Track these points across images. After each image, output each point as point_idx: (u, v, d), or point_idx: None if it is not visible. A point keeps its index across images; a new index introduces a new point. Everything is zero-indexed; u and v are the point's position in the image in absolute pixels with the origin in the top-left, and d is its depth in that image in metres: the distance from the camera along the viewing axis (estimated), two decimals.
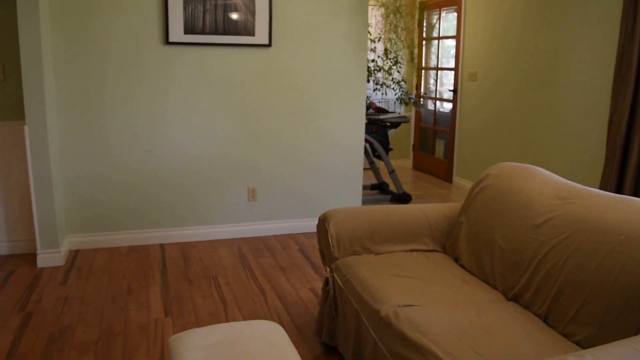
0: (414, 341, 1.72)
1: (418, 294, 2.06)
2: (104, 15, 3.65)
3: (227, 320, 2.86)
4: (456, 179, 6.09)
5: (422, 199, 5.49)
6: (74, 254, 3.80)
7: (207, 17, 3.79)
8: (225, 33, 3.85)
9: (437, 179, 6.44)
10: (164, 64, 3.81)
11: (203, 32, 3.81)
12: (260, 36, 3.93)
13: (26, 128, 3.37)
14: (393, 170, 5.25)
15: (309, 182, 4.30)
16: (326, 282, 2.51)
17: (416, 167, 7.01)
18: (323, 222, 2.59)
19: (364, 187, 5.78)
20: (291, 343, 1.91)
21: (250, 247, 4.00)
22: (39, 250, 3.56)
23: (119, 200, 3.92)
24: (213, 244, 4.07)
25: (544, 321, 1.92)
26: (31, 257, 3.70)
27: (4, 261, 3.66)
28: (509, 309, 1.99)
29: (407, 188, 5.89)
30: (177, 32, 3.76)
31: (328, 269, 2.51)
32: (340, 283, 2.35)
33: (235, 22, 3.85)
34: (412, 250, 2.55)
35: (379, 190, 5.72)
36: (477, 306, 1.97)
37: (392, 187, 5.82)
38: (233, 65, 3.95)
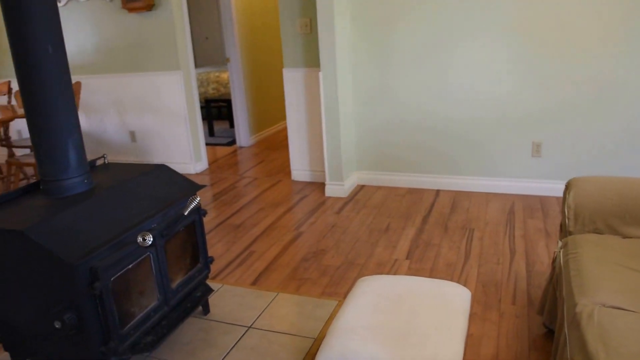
0: (589, 352, 1.39)
1: None
2: None
3: (459, 275, 2.78)
4: None
5: None
6: (359, 189, 4.21)
7: None
8: None
9: None
10: (452, 10, 3.71)
11: None
12: None
13: (320, 74, 3.82)
14: None
15: (606, 140, 3.64)
16: (555, 258, 2.19)
17: None
18: (565, 189, 2.22)
19: None
20: (467, 313, 1.78)
21: (524, 205, 3.69)
22: (327, 181, 4.07)
23: (404, 143, 4.11)
24: (487, 197, 3.91)
25: None
26: (323, 186, 4.27)
27: (304, 187, 4.33)
28: None
29: None
30: None
31: (559, 244, 2.17)
32: (561, 262, 2.02)
33: None
34: None
35: None
36: None
37: None
38: (524, 6, 3.55)
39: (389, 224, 3.52)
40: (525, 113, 3.75)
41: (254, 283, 2.85)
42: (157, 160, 4.96)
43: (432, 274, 2.83)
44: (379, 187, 4.22)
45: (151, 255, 2.09)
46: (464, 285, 2.68)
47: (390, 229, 3.44)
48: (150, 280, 2.11)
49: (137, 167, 2.40)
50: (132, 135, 4.97)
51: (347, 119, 4.07)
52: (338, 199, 4.02)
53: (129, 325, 1.98)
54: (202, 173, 4.88)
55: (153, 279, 2.12)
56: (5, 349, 2.08)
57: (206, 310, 2.56)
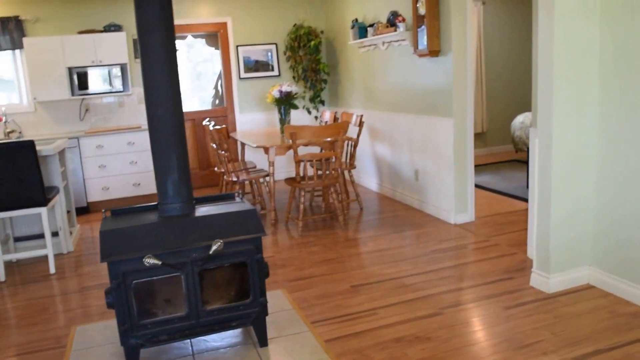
0: None
1: None
2: None
3: None
4: None
5: None
6: (583, 288, 3.34)
7: None
8: None
9: None
10: None
11: None
12: None
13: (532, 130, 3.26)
14: None
15: None
16: None
17: None
18: None
19: None
20: None
21: None
22: (533, 268, 3.43)
23: None
24: None
25: None
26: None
27: (527, 268, 3.71)
28: None
29: None
30: None
31: None
32: None
33: None
34: None
35: None
36: None
37: None
38: None
39: (542, 341, 2.77)
40: None
41: (328, 341, 2.92)
42: (429, 203, 5.11)
43: None
44: (607, 295, 3.23)
45: (182, 276, 2.62)
46: None
47: (532, 348, 2.72)
48: (179, 295, 2.65)
49: (242, 206, 2.92)
50: (416, 173, 5.28)
51: (588, 198, 3.28)
52: (538, 292, 3.33)
53: (148, 320, 2.60)
54: (460, 225, 4.74)
55: (183, 295, 2.64)
56: None
57: (263, 343, 2.86)
